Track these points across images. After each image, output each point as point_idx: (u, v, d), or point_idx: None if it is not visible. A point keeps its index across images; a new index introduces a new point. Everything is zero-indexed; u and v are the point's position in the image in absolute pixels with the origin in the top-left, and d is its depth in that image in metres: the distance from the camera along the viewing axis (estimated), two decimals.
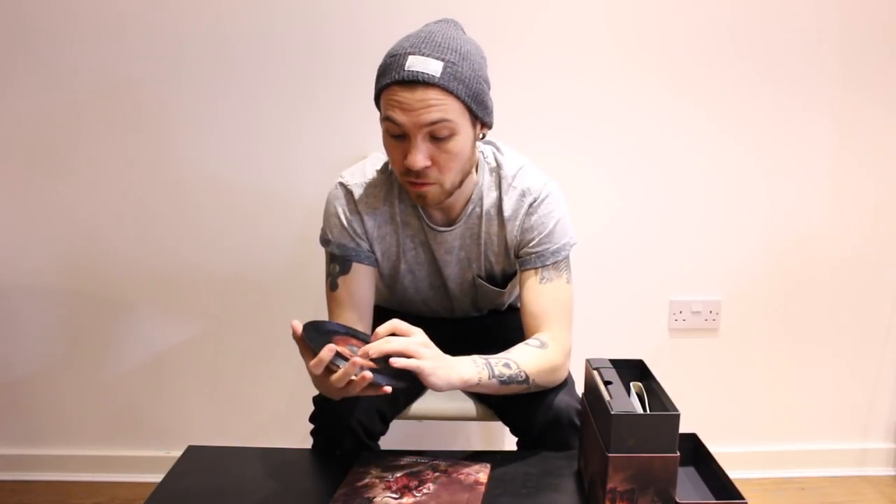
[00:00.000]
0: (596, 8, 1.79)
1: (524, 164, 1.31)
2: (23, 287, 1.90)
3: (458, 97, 1.12)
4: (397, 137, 1.15)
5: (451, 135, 1.14)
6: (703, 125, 1.87)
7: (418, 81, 1.10)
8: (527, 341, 1.23)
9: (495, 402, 1.38)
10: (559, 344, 1.24)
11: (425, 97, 1.10)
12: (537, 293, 1.26)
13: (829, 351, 2.01)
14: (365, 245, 1.30)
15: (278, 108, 1.82)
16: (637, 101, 1.85)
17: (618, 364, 1.09)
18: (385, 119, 1.14)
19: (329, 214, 1.31)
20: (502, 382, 1.15)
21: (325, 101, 1.82)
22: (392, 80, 1.12)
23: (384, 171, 1.31)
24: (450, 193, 1.21)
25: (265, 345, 1.95)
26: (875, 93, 1.87)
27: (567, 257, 1.30)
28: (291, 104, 1.82)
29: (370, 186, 1.30)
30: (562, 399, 1.24)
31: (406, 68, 1.11)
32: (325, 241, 1.33)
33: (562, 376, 1.25)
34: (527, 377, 1.17)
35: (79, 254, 1.88)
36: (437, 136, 1.13)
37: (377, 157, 1.34)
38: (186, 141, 1.83)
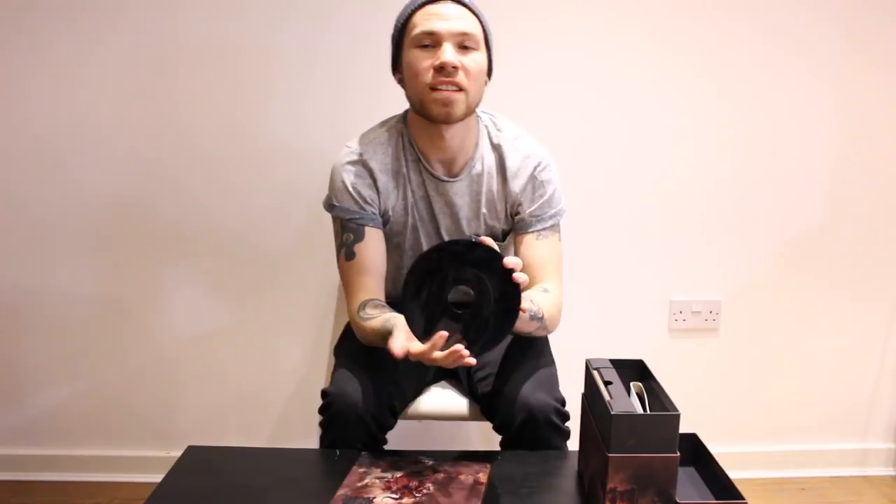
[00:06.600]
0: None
1: (522, 132, 1.42)
2: (22, 287, 1.90)
3: (479, 20, 1.30)
4: (428, 50, 1.26)
5: (475, 49, 1.28)
6: (704, 126, 1.87)
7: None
8: (534, 288, 1.33)
9: (482, 400, 1.37)
10: (558, 294, 1.36)
11: (457, 10, 1.27)
12: (535, 248, 1.37)
13: (829, 351, 2.01)
14: (371, 209, 1.34)
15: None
16: (636, 100, 1.85)
17: (618, 364, 1.09)
18: (419, 33, 1.26)
19: (336, 180, 1.35)
20: (531, 318, 1.25)
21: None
22: None
23: (385, 124, 1.39)
24: (468, 113, 1.29)
25: (266, 345, 1.95)
26: (876, 92, 1.87)
27: (559, 223, 1.41)
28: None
29: (376, 144, 1.36)
30: (538, 397, 1.24)
31: None
32: (330, 207, 1.36)
33: (557, 324, 1.36)
34: (542, 315, 1.28)
35: (78, 254, 1.88)
36: (465, 47, 1.26)
37: (378, 124, 1.41)
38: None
